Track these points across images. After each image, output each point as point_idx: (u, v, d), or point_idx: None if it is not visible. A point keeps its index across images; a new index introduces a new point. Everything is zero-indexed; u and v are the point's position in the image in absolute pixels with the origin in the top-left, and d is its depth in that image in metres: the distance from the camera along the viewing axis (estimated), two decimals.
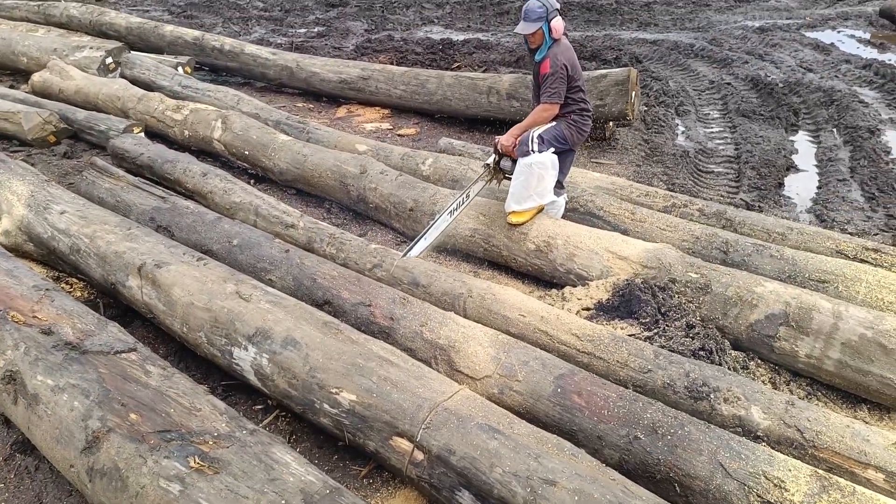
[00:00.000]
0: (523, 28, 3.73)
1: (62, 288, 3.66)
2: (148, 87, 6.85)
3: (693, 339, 3.15)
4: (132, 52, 7.70)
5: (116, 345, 2.47)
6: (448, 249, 4.28)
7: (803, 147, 6.67)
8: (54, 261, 3.67)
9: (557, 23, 3.71)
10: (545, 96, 3.78)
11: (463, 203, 3.95)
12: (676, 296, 3.40)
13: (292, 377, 2.57)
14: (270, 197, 4.31)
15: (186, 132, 5.52)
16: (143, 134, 5.64)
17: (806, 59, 9.19)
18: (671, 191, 5.40)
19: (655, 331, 3.22)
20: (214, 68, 8.36)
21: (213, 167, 4.70)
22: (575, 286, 3.73)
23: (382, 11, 13.24)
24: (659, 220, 4.11)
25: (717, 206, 4.44)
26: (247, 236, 3.59)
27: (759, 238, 4.07)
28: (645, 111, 7.37)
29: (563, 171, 4.01)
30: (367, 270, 3.65)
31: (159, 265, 3.10)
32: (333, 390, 2.45)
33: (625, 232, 4.11)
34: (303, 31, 11.90)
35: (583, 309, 3.52)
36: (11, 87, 7.45)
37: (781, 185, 5.87)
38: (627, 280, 3.49)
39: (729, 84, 8.29)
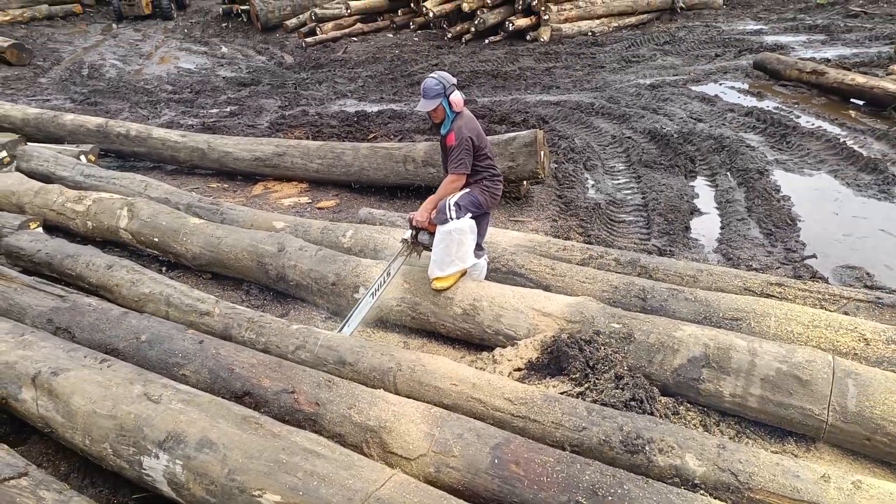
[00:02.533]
0: (423, 105, 3.81)
1: None
2: (48, 178, 6.51)
3: (623, 389, 3.17)
4: (29, 143, 7.34)
5: (3, 471, 2.20)
6: (376, 321, 4.20)
7: (703, 191, 7.10)
8: None
9: (456, 97, 3.82)
10: (452, 167, 3.86)
11: (384, 282, 3.91)
12: (602, 348, 3.44)
13: (210, 482, 2.37)
14: (183, 284, 4.11)
15: (90, 223, 5.24)
16: (41, 229, 5.31)
17: (695, 111, 9.93)
18: (588, 242, 5.59)
19: (586, 385, 3.23)
20: (121, 154, 8.09)
21: (119, 258, 4.46)
22: (504, 347, 3.72)
23: (295, 88, 13.37)
24: (578, 273, 4.21)
25: (631, 255, 4.60)
26: (156, 330, 3.37)
27: (673, 282, 4.22)
28: (555, 168, 7.67)
29: (480, 233, 4.06)
30: (290, 353, 3.50)
31: (56, 372, 2.85)
32: (256, 493, 2.27)
33: (547, 288, 4.17)
34: (214, 111, 11.81)
35: (515, 370, 3.50)
36: None
37: (688, 228, 6.19)
38: (554, 337, 3.51)
39: (629, 138, 8.81)
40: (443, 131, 3.91)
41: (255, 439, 2.44)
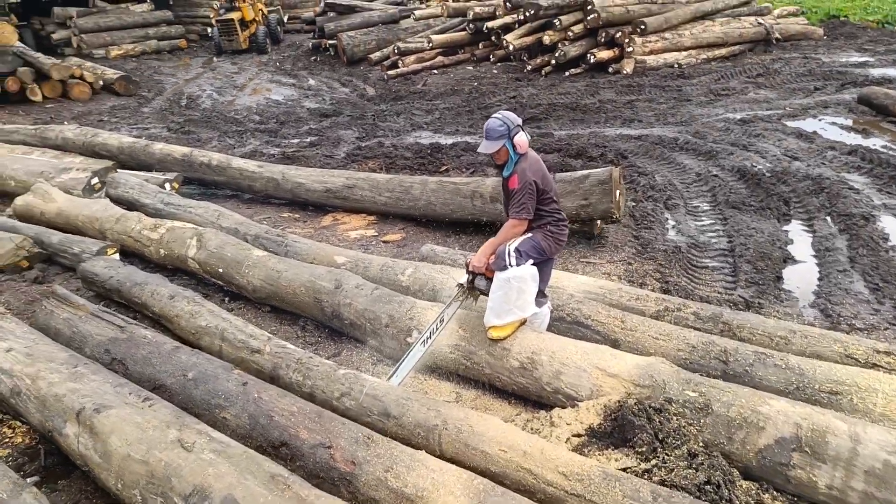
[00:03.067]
0: (486, 147, 3.60)
1: (4, 433, 3.36)
2: (132, 205, 6.81)
3: (697, 470, 2.79)
4: (120, 170, 7.76)
5: None
6: (429, 368, 3.99)
7: (798, 237, 6.49)
8: (2, 400, 3.38)
9: (521, 138, 3.59)
10: (514, 212, 3.64)
11: (437, 330, 3.70)
12: (674, 418, 3.07)
13: None
14: (238, 319, 4.07)
15: (162, 251, 5.38)
16: (117, 255, 5.51)
17: (791, 148, 9.23)
18: (665, 290, 5.17)
19: (654, 462, 2.87)
20: (203, 183, 8.40)
21: (181, 289, 4.51)
22: (564, 407, 3.41)
23: (373, 120, 13.62)
24: (651, 327, 3.84)
25: (713, 310, 4.18)
26: (203, 368, 3.32)
27: (760, 344, 3.77)
28: (633, 206, 7.27)
29: (543, 280, 3.79)
30: (335, 399, 3.35)
31: (99, 409, 2.82)
32: None
33: (615, 343, 3.84)
34: (295, 141, 12.17)
35: (573, 435, 3.18)
36: None
37: (780, 278, 5.64)
38: (619, 402, 3.17)
39: (716, 176, 8.26)
40: (505, 173, 3.70)
41: (281, 502, 2.27)
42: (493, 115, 3.64)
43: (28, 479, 3.00)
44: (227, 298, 5.11)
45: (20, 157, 8.04)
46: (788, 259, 5.99)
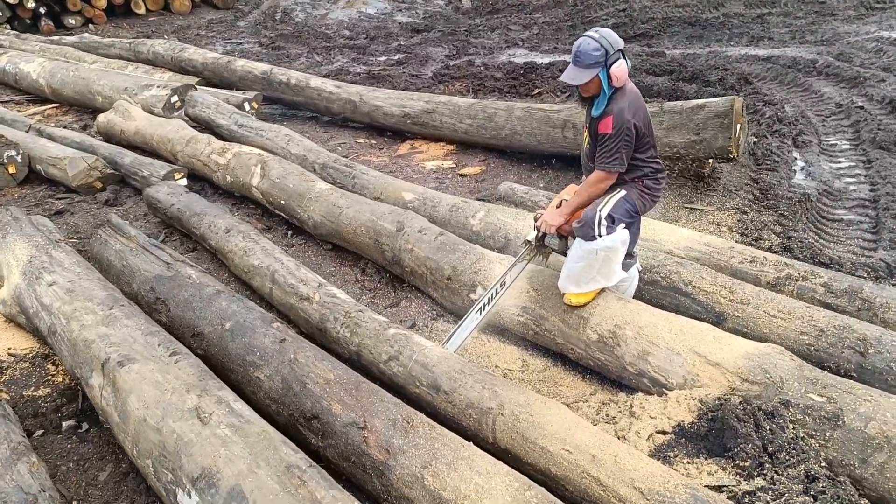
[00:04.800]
0: (573, 76, 2.83)
1: (47, 369, 3.28)
2: (208, 124, 6.64)
3: (816, 499, 2.19)
4: (201, 88, 7.59)
5: (12, 496, 1.93)
6: (495, 328, 3.52)
7: None
8: (42, 338, 3.28)
9: (620, 68, 2.80)
10: (604, 163, 2.90)
11: (496, 294, 3.16)
12: (791, 427, 2.44)
13: None
14: (291, 261, 3.75)
15: (229, 177, 5.14)
16: (184, 180, 5.33)
17: None
18: (786, 248, 4.33)
19: (759, 482, 2.29)
20: (283, 102, 8.11)
21: (238, 222, 4.23)
22: (649, 393, 2.85)
23: (466, 35, 12.71)
24: (768, 301, 3.13)
25: (850, 281, 3.37)
26: (242, 318, 3.01)
27: None
28: (754, 143, 6.23)
29: (632, 241, 3.13)
30: (382, 363, 2.97)
31: (123, 362, 2.58)
32: None
33: (720, 316, 3.17)
34: (383, 59, 11.59)
35: (657, 432, 2.64)
36: (85, 126, 7.55)
37: None
38: (720, 399, 2.57)
39: (861, 108, 6.92)
40: (595, 112, 2.93)
41: (291, 502, 1.93)
42: (587, 34, 2.85)
43: (64, 423, 2.89)
44: (289, 232, 4.83)
45: (108, 72, 8.03)
46: None
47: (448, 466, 2.19)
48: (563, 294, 3.15)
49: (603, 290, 3.15)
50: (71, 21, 15.56)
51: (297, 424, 2.59)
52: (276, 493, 1.97)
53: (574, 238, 3.06)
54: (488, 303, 3.14)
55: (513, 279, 3.21)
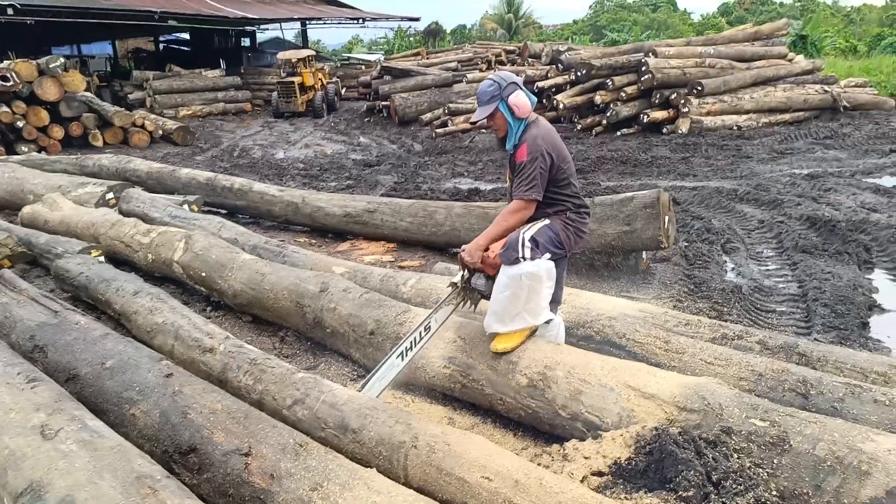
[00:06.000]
0: (477, 114, 3.01)
1: None
2: (142, 219, 6.45)
3: None
4: (135, 188, 7.51)
5: None
6: (418, 387, 3.21)
7: (886, 286, 5.48)
8: None
9: (518, 98, 2.90)
10: (521, 190, 2.87)
11: (419, 340, 2.94)
12: (735, 455, 2.18)
13: None
14: (199, 317, 3.44)
15: (150, 256, 4.88)
16: (101, 258, 5.04)
17: (867, 201, 8.24)
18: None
19: None
20: (225, 208, 8.06)
21: (148, 286, 3.93)
22: (584, 439, 2.56)
23: (415, 168, 13.32)
24: (703, 350, 2.98)
25: (784, 339, 3.29)
26: (126, 356, 2.66)
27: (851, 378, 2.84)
28: (686, 246, 6.42)
29: (558, 281, 3.01)
30: (286, 408, 2.61)
31: None
32: None
33: (656, 366, 2.98)
34: (333, 184, 11.90)
35: (592, 474, 2.32)
36: (11, 221, 7.24)
37: (866, 325, 4.65)
38: (657, 429, 2.31)
39: (782, 222, 7.33)
40: (507, 146, 3.00)
41: None
42: (486, 78, 3.04)
43: None
44: (208, 308, 4.52)
45: (42, 172, 7.92)
46: (875, 307, 4.99)
47: (342, 487, 1.83)
48: (492, 342, 2.93)
49: (532, 333, 2.95)
50: (24, 149, 15.63)
51: (171, 462, 2.17)
52: (117, 502, 1.57)
53: None
54: (411, 348, 2.89)
55: (438, 324, 3.00)
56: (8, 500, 1.69)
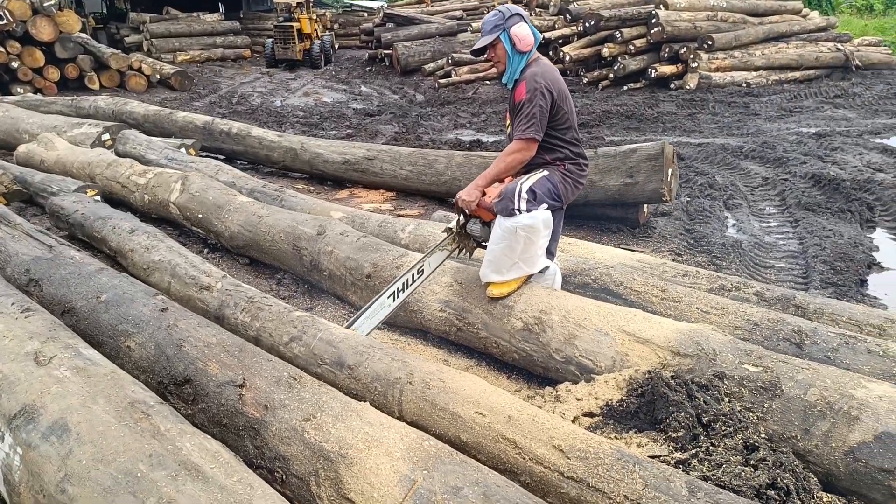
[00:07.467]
0: (478, 43, 2.91)
1: None
2: (138, 160, 6.37)
3: (756, 468, 1.92)
4: (132, 130, 7.39)
5: None
6: (413, 330, 3.22)
7: (886, 245, 5.46)
8: None
9: (520, 30, 2.79)
10: (520, 130, 2.78)
11: (411, 282, 2.91)
12: (726, 399, 2.20)
13: (39, 490, 1.49)
14: (196, 257, 3.42)
15: (147, 197, 4.84)
16: (98, 197, 5.00)
17: (874, 161, 8.14)
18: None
19: (693, 451, 2.01)
20: (222, 152, 7.97)
21: (145, 224, 3.90)
22: (577, 382, 2.58)
23: (417, 119, 13.12)
24: (700, 300, 2.98)
25: (782, 291, 3.28)
26: (121, 290, 2.65)
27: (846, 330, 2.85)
28: (688, 202, 6.37)
29: (555, 233, 2.97)
30: (283, 345, 2.62)
31: None
32: None
33: (653, 314, 2.98)
34: (333, 132, 11.75)
35: (583, 414, 2.35)
36: (6, 160, 7.16)
37: (864, 282, 4.65)
38: (650, 372, 2.32)
39: (786, 180, 7.26)
40: (505, 80, 2.91)
41: (126, 435, 1.55)
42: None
43: None
44: (205, 250, 4.50)
45: (37, 113, 7.79)
46: (874, 265, 4.98)
47: (335, 418, 1.84)
48: (486, 287, 2.92)
49: (528, 279, 2.94)
50: (19, 90, 15.37)
51: (166, 392, 2.19)
52: (110, 424, 1.58)
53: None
54: (403, 289, 2.88)
55: (432, 268, 2.98)
56: (2, 421, 1.71)
